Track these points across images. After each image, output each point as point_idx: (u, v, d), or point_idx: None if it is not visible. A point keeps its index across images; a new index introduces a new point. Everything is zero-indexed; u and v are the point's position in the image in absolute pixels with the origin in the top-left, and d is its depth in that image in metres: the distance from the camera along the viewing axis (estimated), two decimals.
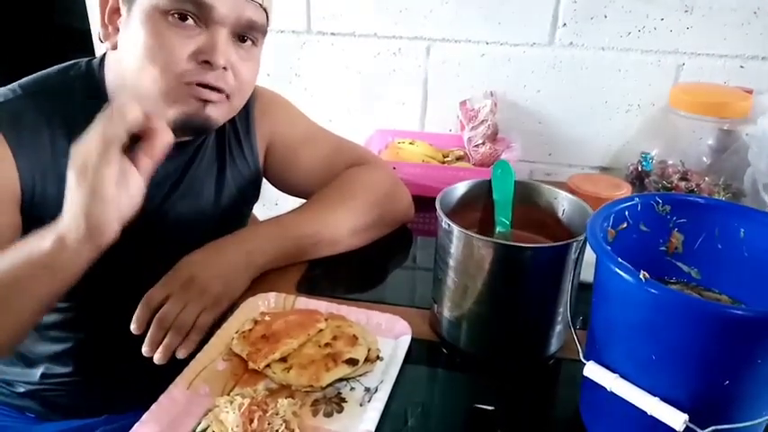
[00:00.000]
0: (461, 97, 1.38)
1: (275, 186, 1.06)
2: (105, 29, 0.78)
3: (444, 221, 0.74)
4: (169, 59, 0.73)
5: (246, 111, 0.95)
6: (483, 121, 1.29)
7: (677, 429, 0.52)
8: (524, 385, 0.74)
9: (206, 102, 0.77)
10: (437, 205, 0.77)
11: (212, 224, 0.93)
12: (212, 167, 0.93)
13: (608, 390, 0.57)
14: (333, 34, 1.43)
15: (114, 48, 0.78)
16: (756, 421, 0.55)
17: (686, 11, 1.26)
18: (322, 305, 0.83)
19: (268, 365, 0.70)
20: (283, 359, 0.71)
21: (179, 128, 0.77)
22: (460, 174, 1.19)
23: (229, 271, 0.81)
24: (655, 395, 0.54)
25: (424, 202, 1.14)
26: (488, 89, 1.37)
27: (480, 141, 1.27)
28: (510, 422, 0.69)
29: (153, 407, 0.65)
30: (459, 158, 1.32)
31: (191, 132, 0.83)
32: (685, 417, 0.52)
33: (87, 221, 0.64)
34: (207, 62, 0.74)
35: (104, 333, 0.88)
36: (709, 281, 0.69)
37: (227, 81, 0.77)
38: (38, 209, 0.76)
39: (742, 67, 1.28)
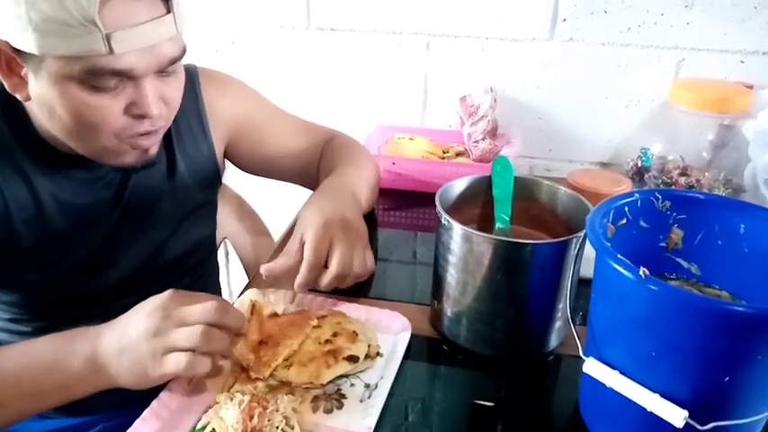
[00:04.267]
0: (461, 93, 1.38)
1: (242, 167, 1.03)
2: (8, 80, 0.69)
3: (444, 217, 0.74)
4: (101, 124, 0.69)
5: (194, 93, 0.91)
6: (483, 116, 1.28)
7: (677, 426, 0.52)
8: (524, 381, 0.75)
9: (146, 149, 0.75)
10: (437, 201, 0.77)
11: (172, 220, 0.91)
12: (160, 164, 0.88)
13: (607, 386, 0.57)
14: (332, 30, 1.43)
15: (27, 99, 0.70)
16: (757, 417, 0.55)
17: (686, 6, 1.25)
18: (321, 301, 0.83)
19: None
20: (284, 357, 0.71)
21: (122, 169, 0.79)
22: (460, 169, 1.19)
23: (354, 211, 0.85)
24: (655, 391, 0.54)
25: (423, 198, 1.14)
26: (488, 85, 1.37)
27: (480, 137, 1.26)
28: (510, 418, 0.69)
29: (153, 403, 0.66)
30: (458, 154, 1.32)
31: (133, 171, 0.81)
32: (685, 413, 0.52)
33: (141, 378, 0.64)
34: (140, 115, 0.70)
35: None
36: (710, 277, 0.69)
37: (162, 115, 0.73)
38: None
39: (742, 62, 1.27)
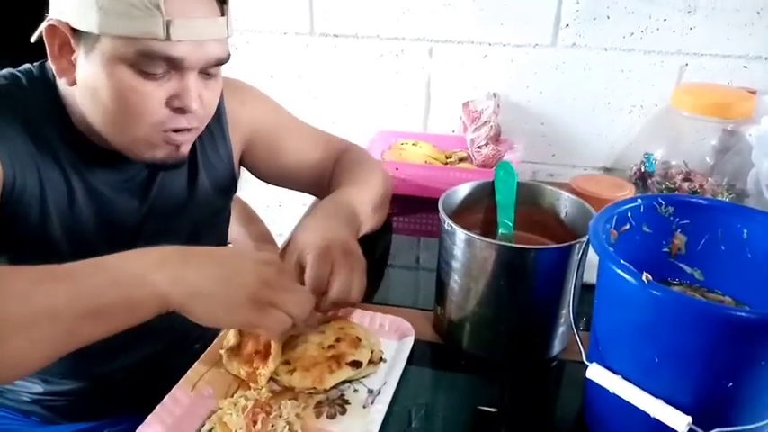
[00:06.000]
0: (464, 98, 1.38)
1: (258, 176, 1.04)
2: (58, 63, 0.72)
3: (447, 223, 0.74)
4: (143, 110, 0.71)
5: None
6: (486, 122, 1.29)
7: None
8: (527, 387, 0.74)
9: (178, 145, 0.76)
10: (440, 207, 0.77)
11: (191, 227, 0.91)
12: (183, 168, 0.88)
13: (611, 392, 0.57)
14: (336, 36, 1.44)
15: (72, 84, 0.73)
16: (760, 423, 0.54)
17: (689, 11, 1.25)
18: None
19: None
20: (287, 362, 0.71)
21: (152, 166, 0.79)
22: (463, 175, 1.19)
23: (353, 234, 0.83)
24: (658, 397, 0.54)
25: (426, 204, 1.14)
26: (491, 90, 1.37)
27: (483, 143, 1.27)
28: (513, 424, 0.69)
29: (157, 408, 0.66)
30: (461, 160, 1.32)
31: (162, 168, 0.81)
32: (689, 419, 0.52)
33: (224, 313, 0.63)
34: (181, 108, 0.73)
35: (103, 345, 0.87)
36: (713, 282, 0.69)
37: (198, 117, 0.76)
38: (15, 201, 0.73)
39: (745, 67, 1.28)
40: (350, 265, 0.74)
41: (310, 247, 0.75)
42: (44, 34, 0.71)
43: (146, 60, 0.68)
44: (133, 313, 0.61)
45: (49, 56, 0.72)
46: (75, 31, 0.69)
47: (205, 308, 0.62)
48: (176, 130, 0.74)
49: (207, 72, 0.75)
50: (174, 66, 0.70)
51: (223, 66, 0.77)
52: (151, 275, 0.60)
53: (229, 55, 0.76)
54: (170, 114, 0.73)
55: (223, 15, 0.73)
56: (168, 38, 0.67)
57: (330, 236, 0.77)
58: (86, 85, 0.72)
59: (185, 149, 0.78)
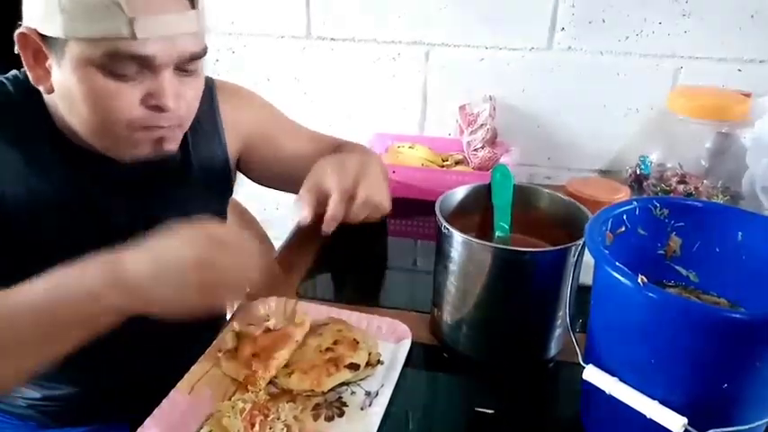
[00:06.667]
0: (460, 101, 1.39)
1: (255, 179, 1.04)
2: (34, 71, 0.71)
3: (444, 226, 0.74)
4: (117, 112, 0.70)
5: (210, 104, 0.92)
6: (482, 125, 1.29)
7: None
8: (524, 389, 0.75)
9: (160, 139, 0.75)
10: (436, 210, 0.77)
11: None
12: (175, 171, 0.88)
13: (607, 393, 0.58)
14: (332, 39, 1.44)
15: (50, 92, 0.72)
16: (755, 424, 0.55)
17: (684, 15, 1.26)
18: (322, 309, 0.83)
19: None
20: (285, 364, 0.71)
21: (137, 164, 0.78)
22: (460, 178, 1.20)
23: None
24: (654, 398, 0.54)
25: (423, 206, 1.14)
26: (487, 93, 1.38)
27: (479, 145, 1.27)
28: (510, 426, 0.69)
29: (155, 411, 0.66)
30: (458, 162, 1.33)
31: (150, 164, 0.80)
32: (684, 420, 0.52)
33: (180, 307, 0.62)
34: (157, 107, 0.71)
35: (99, 349, 0.87)
36: (708, 284, 0.69)
37: (179, 114, 0.74)
38: (6, 208, 0.73)
39: (740, 70, 1.28)
40: (365, 169, 0.76)
41: (323, 166, 0.77)
42: (17, 43, 0.69)
43: (114, 61, 0.67)
44: (92, 327, 0.62)
45: (24, 64, 0.71)
46: (44, 38, 0.67)
47: (161, 307, 0.62)
48: (155, 126, 0.73)
49: (184, 69, 0.73)
50: (146, 64, 0.68)
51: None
52: (96, 290, 0.61)
53: (205, 48, 0.74)
54: (146, 112, 0.71)
55: (194, 8, 0.70)
56: (134, 36, 0.65)
57: (339, 157, 0.78)
58: (62, 93, 0.71)
59: (169, 145, 0.76)
